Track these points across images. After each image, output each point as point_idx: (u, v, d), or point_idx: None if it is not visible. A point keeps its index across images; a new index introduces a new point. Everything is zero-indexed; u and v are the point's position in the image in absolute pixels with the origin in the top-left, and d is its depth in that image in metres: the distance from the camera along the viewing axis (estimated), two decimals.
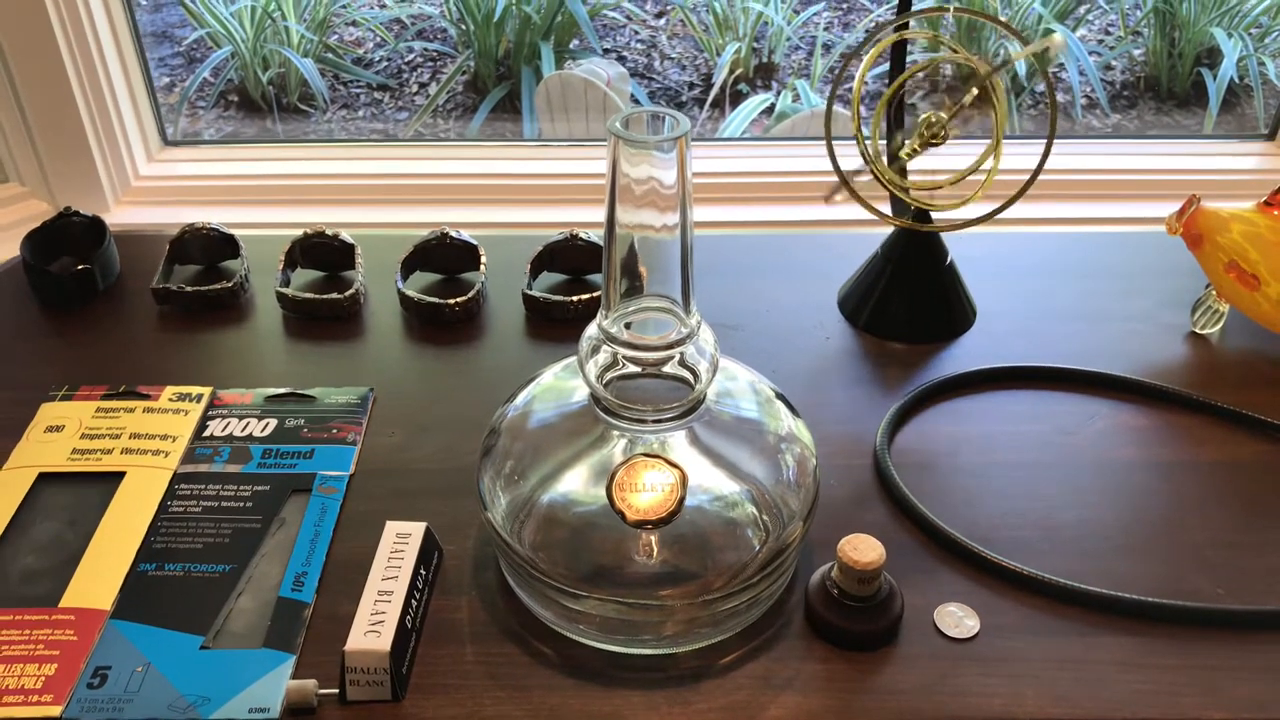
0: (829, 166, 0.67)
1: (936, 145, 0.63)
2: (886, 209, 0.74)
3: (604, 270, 0.48)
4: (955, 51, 0.63)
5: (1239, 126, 2.14)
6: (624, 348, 0.49)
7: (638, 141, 0.44)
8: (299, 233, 0.76)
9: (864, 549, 0.50)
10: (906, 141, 0.65)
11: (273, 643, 0.50)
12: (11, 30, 1.14)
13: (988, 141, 0.63)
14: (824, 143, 0.65)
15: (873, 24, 2.35)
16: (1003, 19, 0.60)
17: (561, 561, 0.49)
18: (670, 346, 0.49)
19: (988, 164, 0.64)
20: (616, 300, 0.48)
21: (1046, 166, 0.62)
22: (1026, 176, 0.62)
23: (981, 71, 0.60)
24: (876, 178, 0.67)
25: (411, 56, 2.42)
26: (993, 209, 0.66)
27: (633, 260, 0.47)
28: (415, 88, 2.36)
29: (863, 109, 0.65)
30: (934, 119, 0.63)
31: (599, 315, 0.50)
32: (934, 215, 0.69)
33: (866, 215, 0.67)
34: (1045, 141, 0.62)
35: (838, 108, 0.64)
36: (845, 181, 0.67)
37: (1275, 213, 0.67)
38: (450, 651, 0.51)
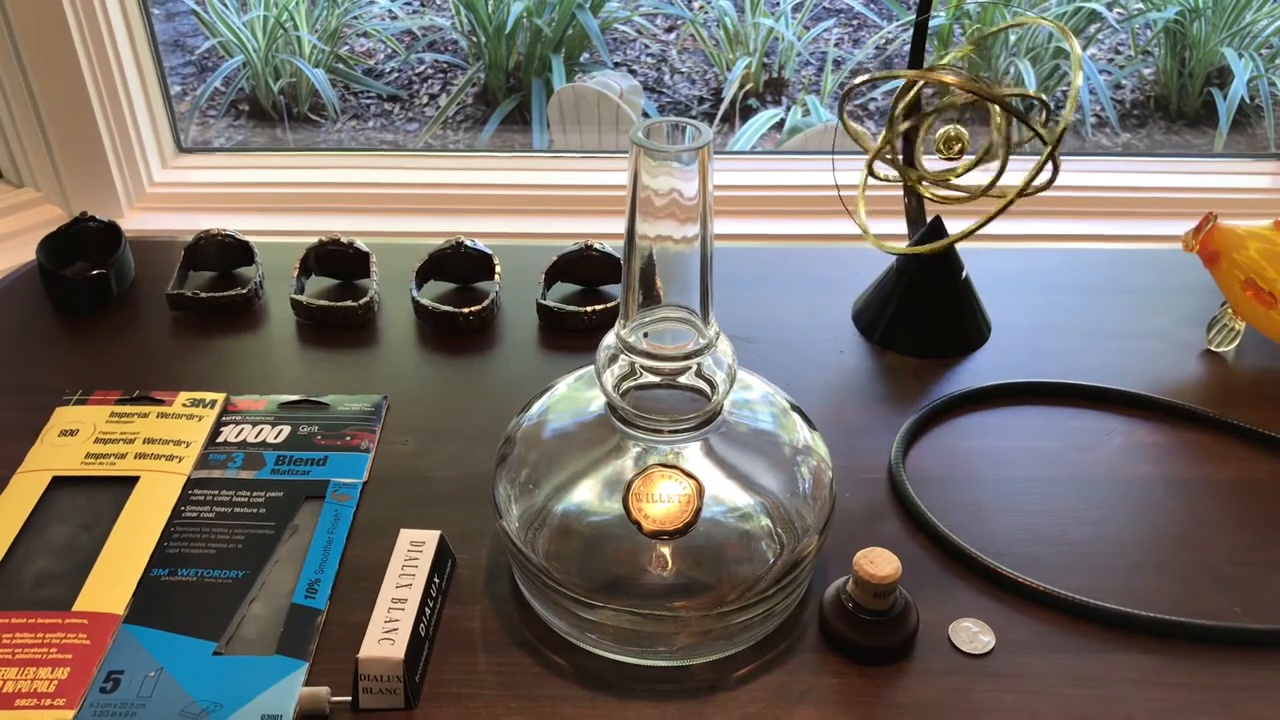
0: (841, 180, 0.67)
1: (955, 160, 0.64)
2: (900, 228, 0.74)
3: (623, 280, 0.48)
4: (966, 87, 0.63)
5: (1249, 146, 2.14)
6: (642, 357, 0.49)
7: (659, 151, 0.44)
8: (314, 240, 0.76)
9: (880, 562, 0.49)
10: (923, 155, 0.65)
11: (285, 649, 0.50)
12: (30, 36, 1.14)
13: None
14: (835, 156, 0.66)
15: (883, 40, 2.35)
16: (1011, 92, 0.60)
17: (575, 571, 0.49)
18: (688, 357, 0.49)
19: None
20: (635, 310, 0.48)
21: (1060, 182, 0.62)
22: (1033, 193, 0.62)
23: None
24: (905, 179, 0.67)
25: (422, 68, 2.42)
26: (981, 220, 0.65)
27: (651, 271, 0.47)
28: (425, 99, 2.37)
29: (873, 125, 0.65)
30: (952, 133, 0.63)
31: (617, 324, 0.50)
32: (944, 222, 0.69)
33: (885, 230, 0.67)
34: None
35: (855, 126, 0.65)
36: (846, 207, 0.67)
37: None
38: (463, 660, 0.51)
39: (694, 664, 0.51)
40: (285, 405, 0.65)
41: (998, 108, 0.61)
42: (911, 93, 0.65)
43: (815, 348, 0.72)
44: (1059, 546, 0.57)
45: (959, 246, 0.70)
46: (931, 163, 0.67)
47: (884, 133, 0.65)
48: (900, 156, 0.68)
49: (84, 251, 0.77)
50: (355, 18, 2.43)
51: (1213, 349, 0.71)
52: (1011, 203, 0.61)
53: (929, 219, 0.71)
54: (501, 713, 0.48)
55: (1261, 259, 0.67)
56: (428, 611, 0.51)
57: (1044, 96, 0.61)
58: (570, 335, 0.72)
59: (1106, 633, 0.52)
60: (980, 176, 0.66)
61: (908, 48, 0.70)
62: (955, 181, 0.66)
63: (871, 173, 0.66)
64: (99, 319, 0.74)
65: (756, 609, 0.49)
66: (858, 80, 0.64)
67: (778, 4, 2.33)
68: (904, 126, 0.65)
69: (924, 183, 0.67)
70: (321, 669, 0.50)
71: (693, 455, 0.50)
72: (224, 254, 0.77)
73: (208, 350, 0.71)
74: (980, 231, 0.68)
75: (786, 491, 0.51)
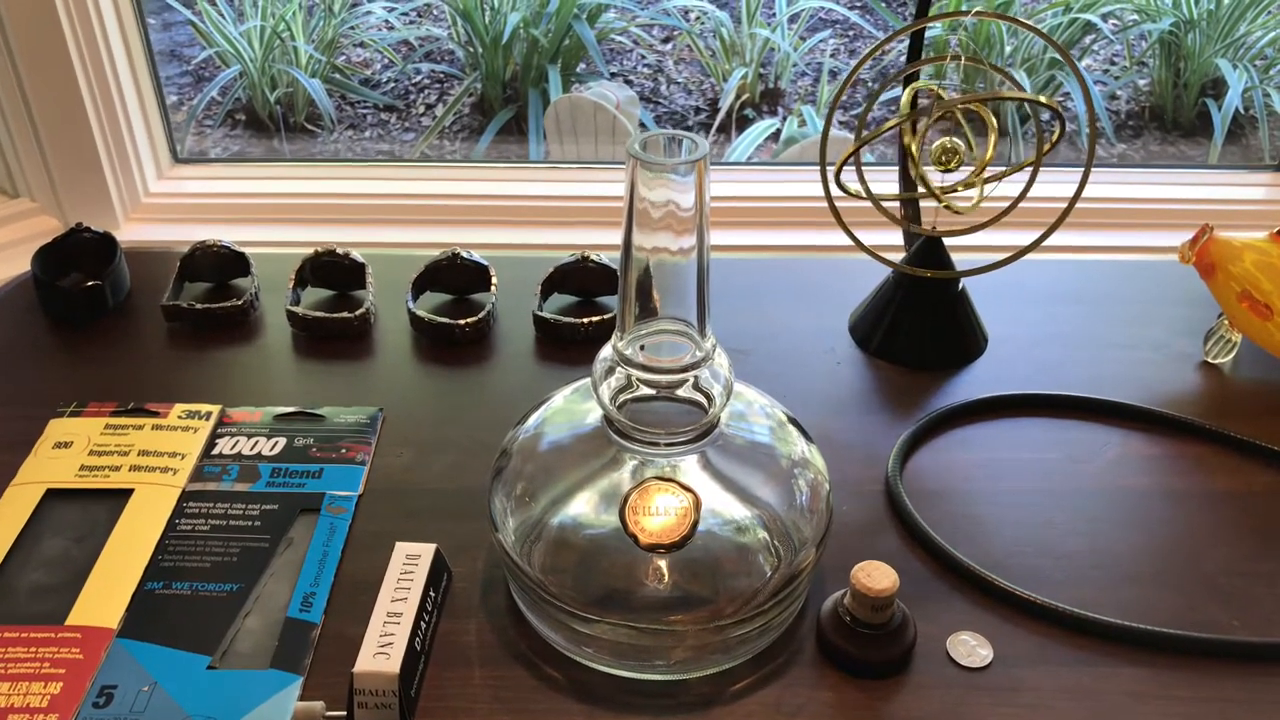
0: (839, 190, 0.67)
1: (951, 171, 0.64)
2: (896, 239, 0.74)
3: (619, 292, 0.48)
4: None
5: (1244, 157, 2.15)
6: (638, 370, 0.49)
7: (656, 164, 0.44)
8: (309, 251, 0.76)
9: (877, 576, 0.49)
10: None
11: (280, 663, 0.50)
12: (25, 46, 1.14)
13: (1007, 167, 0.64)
14: (833, 168, 0.66)
15: (885, 58, 2.36)
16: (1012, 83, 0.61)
17: (571, 585, 0.49)
18: (685, 369, 0.49)
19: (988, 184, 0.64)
20: (631, 322, 0.48)
21: (1055, 194, 0.63)
22: (1043, 204, 0.63)
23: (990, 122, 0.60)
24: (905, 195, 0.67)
25: (419, 78, 2.43)
26: (1003, 258, 0.66)
27: (648, 283, 0.47)
28: (422, 109, 2.37)
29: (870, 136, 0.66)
30: (948, 144, 0.63)
31: (614, 337, 0.49)
32: (945, 240, 0.69)
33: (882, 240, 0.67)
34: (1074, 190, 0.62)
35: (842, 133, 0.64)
36: (838, 216, 0.67)
37: None
38: (459, 674, 0.50)
39: (691, 678, 0.50)
40: (280, 417, 0.65)
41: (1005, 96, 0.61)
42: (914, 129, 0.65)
43: (812, 359, 0.72)
44: (1056, 559, 0.57)
45: (956, 258, 0.70)
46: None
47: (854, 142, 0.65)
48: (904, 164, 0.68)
49: (79, 262, 0.77)
50: (352, 28, 2.44)
51: (1209, 361, 0.71)
52: (1061, 221, 0.61)
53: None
54: None
55: (1257, 271, 0.67)
56: (423, 625, 0.50)
57: (1047, 101, 0.61)
58: (567, 347, 0.72)
59: (1104, 646, 0.52)
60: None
61: (903, 58, 0.70)
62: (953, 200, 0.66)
63: (841, 187, 0.66)
64: (94, 330, 0.73)
65: (753, 623, 0.49)
66: (851, 150, 0.64)
67: (774, 15, 2.33)
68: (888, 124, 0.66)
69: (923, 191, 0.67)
70: (316, 683, 0.50)
71: (690, 468, 0.50)
72: (219, 265, 0.77)
73: (203, 362, 0.71)
74: (976, 242, 0.68)
75: (784, 504, 0.51)
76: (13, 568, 0.55)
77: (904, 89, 0.66)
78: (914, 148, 0.65)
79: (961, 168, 0.65)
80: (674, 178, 0.44)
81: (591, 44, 2.27)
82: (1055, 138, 0.65)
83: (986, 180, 0.64)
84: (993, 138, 0.62)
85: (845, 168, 0.66)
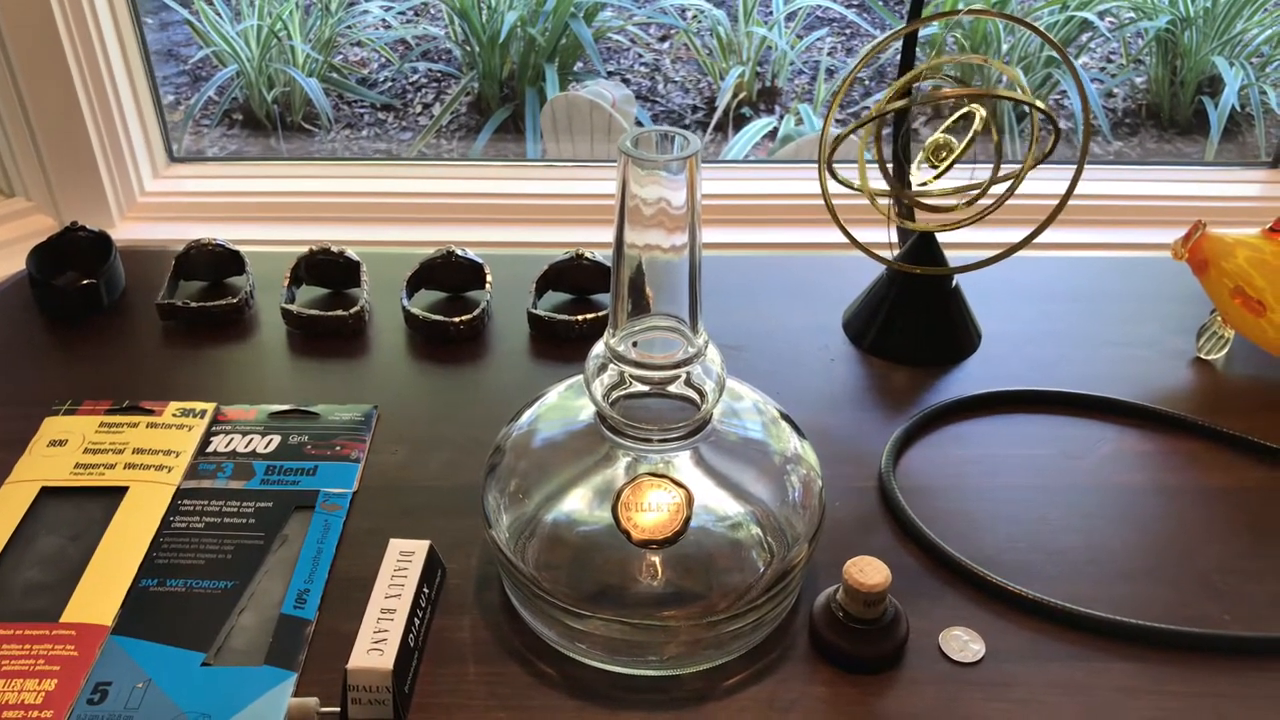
0: (835, 189, 0.67)
1: (942, 168, 0.64)
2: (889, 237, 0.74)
3: (612, 290, 0.48)
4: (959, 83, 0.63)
5: (1240, 154, 2.15)
6: (631, 366, 0.49)
7: (648, 160, 0.44)
8: (304, 249, 0.76)
9: (870, 571, 0.49)
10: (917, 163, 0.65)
11: (274, 660, 0.50)
12: (20, 45, 1.14)
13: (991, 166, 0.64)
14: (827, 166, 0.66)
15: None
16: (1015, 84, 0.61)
17: (565, 581, 0.49)
18: (677, 366, 0.49)
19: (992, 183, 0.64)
20: (624, 319, 0.48)
21: (1050, 190, 0.63)
22: (1038, 201, 0.63)
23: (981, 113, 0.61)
24: (896, 200, 0.67)
25: (416, 77, 2.43)
26: (996, 254, 0.66)
27: (640, 280, 0.47)
28: (419, 108, 2.37)
29: (865, 134, 0.66)
30: (941, 141, 0.63)
31: (606, 334, 0.50)
32: (939, 237, 0.69)
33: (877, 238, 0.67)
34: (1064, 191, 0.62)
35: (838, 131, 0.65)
36: (833, 215, 0.67)
37: None
38: (453, 671, 0.51)
39: (684, 673, 0.50)
40: (275, 415, 0.65)
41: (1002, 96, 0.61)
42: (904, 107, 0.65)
43: (805, 356, 0.72)
44: (1049, 555, 0.57)
45: (949, 254, 0.70)
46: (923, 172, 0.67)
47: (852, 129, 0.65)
48: (889, 166, 0.68)
49: (74, 261, 0.77)
50: (349, 27, 2.44)
51: (1202, 357, 0.72)
52: (1052, 219, 0.61)
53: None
54: None
55: (1250, 267, 0.67)
56: (417, 621, 0.51)
57: (1041, 104, 0.61)
58: (561, 344, 0.72)
59: (1096, 641, 0.52)
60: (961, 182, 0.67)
61: (899, 57, 0.70)
62: (935, 198, 0.66)
63: (833, 174, 0.66)
64: (89, 329, 0.73)
65: (746, 618, 0.49)
66: (841, 133, 0.64)
67: (771, 13, 2.33)
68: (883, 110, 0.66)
69: (904, 196, 0.67)
70: (310, 679, 0.50)
71: (682, 464, 0.50)
72: (215, 263, 0.77)
73: (198, 360, 0.71)
74: (970, 239, 0.68)
75: (776, 500, 0.51)
76: (7, 565, 0.55)
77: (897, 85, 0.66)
78: (871, 139, 0.65)
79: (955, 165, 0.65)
80: (665, 174, 0.44)
81: (589, 43, 2.27)
82: (1049, 147, 0.65)
83: (997, 180, 0.64)
84: (973, 135, 0.62)
85: (849, 166, 0.66)
